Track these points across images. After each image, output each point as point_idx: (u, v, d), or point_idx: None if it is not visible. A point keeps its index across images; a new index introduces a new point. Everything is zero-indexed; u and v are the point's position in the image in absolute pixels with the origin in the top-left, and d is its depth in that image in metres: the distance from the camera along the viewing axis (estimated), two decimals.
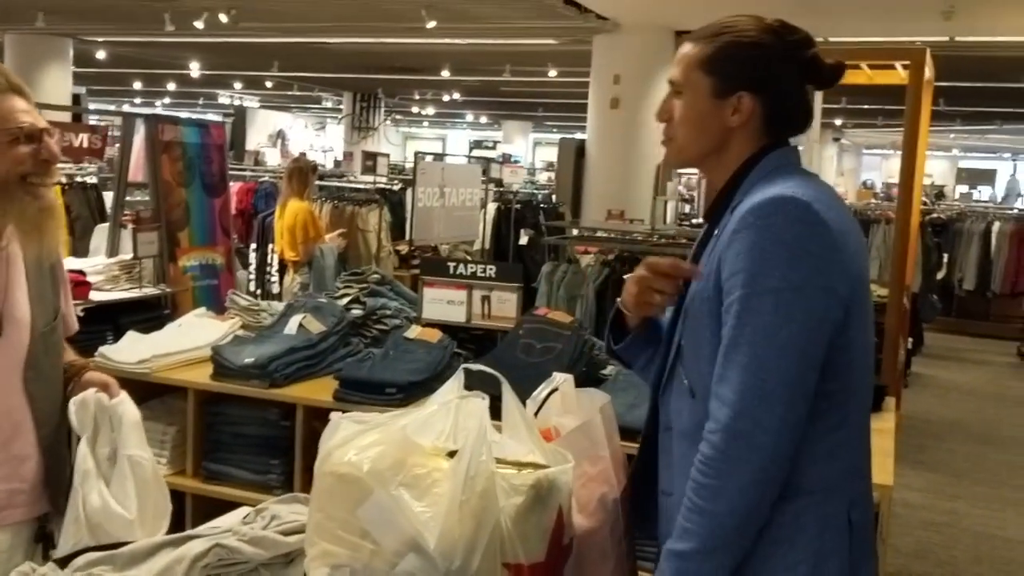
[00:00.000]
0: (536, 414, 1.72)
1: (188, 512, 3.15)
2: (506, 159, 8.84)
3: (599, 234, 6.14)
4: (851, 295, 1.43)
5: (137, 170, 5.34)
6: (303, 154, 10.54)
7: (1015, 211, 12.93)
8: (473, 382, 1.53)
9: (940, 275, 10.66)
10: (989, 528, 4.85)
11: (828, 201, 1.46)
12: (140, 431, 1.97)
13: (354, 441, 1.42)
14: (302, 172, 6.17)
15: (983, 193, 24.43)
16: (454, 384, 1.50)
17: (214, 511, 2.11)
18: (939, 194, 19.49)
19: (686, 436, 1.50)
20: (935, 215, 11.07)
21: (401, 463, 1.36)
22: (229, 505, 3.20)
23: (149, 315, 4.68)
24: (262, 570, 1.68)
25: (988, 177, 26.42)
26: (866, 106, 16.00)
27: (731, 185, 1.55)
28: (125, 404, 1.95)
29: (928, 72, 6.13)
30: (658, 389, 1.62)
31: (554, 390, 1.72)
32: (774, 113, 1.55)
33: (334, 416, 1.49)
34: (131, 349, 3.35)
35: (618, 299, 1.70)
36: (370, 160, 8.63)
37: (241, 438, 3.21)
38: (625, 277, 1.70)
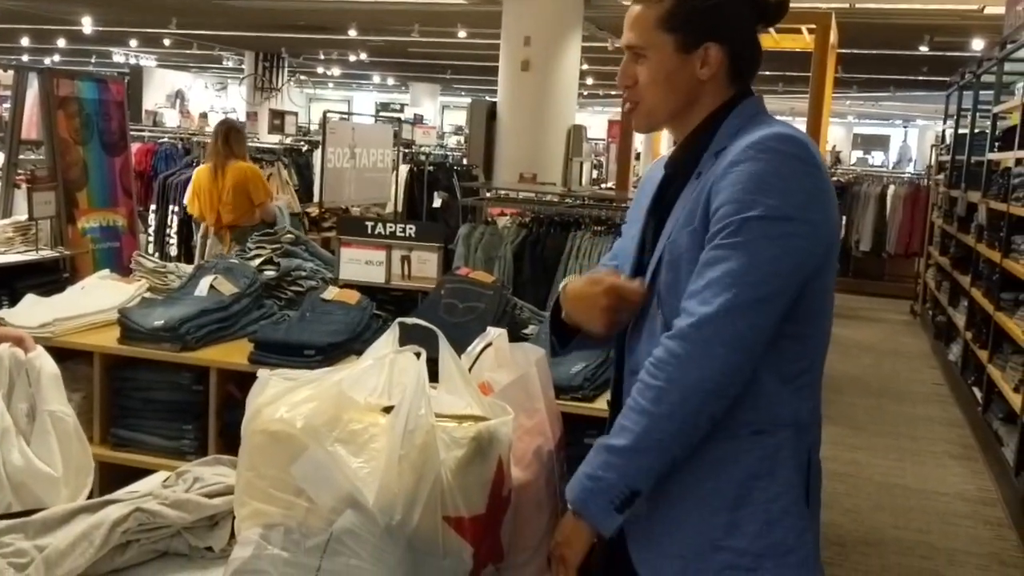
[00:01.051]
0: (470, 369, 1.69)
1: (98, 481, 3.03)
2: (418, 120, 8.70)
3: (516, 196, 6.11)
4: (830, 241, 1.46)
5: (31, 127, 5.08)
6: (227, 115, 10.16)
7: (908, 175, 13.37)
8: (408, 337, 1.49)
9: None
10: (889, 477, 5.05)
11: (815, 149, 1.48)
12: (60, 385, 1.88)
13: (285, 398, 1.38)
14: (238, 132, 5.83)
15: (877, 158, 25.26)
16: (388, 339, 1.46)
17: (124, 480, 2.03)
18: (836, 159, 20.09)
19: None
20: (833, 179, 11.36)
21: (336, 419, 1.32)
22: (140, 473, 3.08)
23: (47, 279, 4.49)
24: (185, 534, 1.62)
25: (883, 143, 27.35)
26: (767, 72, 16.31)
27: (703, 131, 1.53)
28: (42, 358, 1.85)
29: (833, 37, 6.27)
30: (622, 335, 1.59)
31: (488, 345, 1.70)
32: (738, 59, 1.54)
33: (262, 373, 1.44)
34: (30, 313, 3.20)
35: (556, 307, 1.65)
36: (277, 119, 8.39)
37: (152, 403, 3.10)
38: (566, 289, 1.63)
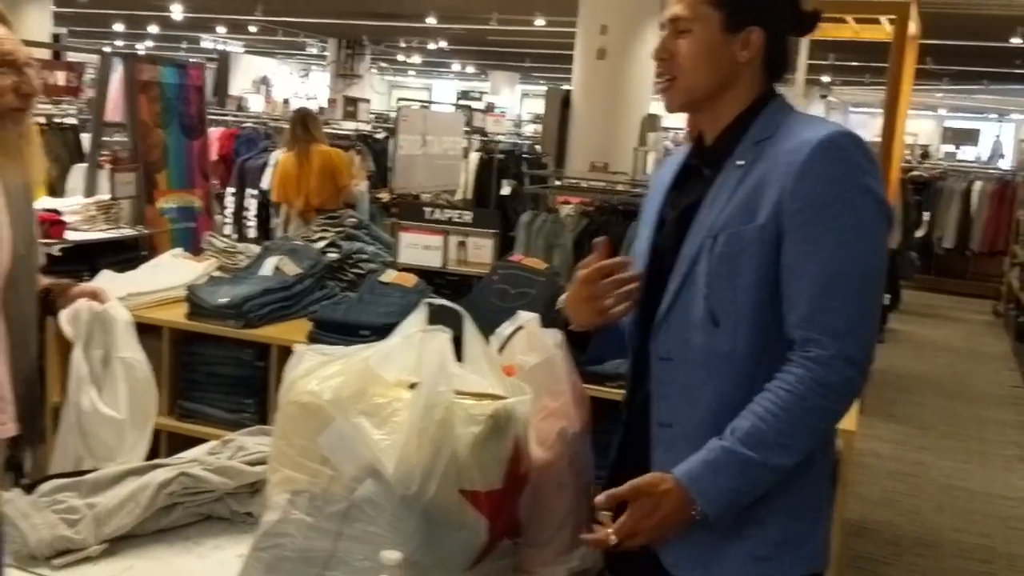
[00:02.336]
0: (500, 351, 1.74)
1: (162, 450, 3.18)
2: (489, 108, 8.77)
3: (580, 184, 6.13)
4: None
5: (115, 110, 5.30)
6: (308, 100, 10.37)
7: (996, 171, 12.94)
8: (436, 317, 1.55)
9: (920, 233, 10.72)
10: (953, 479, 4.95)
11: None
12: (132, 333, 2.02)
13: (317, 372, 1.45)
14: (315, 118, 6.02)
15: (968, 153, 24.47)
16: (417, 318, 1.52)
17: (188, 449, 2.14)
18: (924, 153, 19.51)
19: (698, 365, 1.49)
20: (916, 173, 11.08)
21: (362, 392, 1.39)
22: (203, 443, 3.25)
23: (126, 256, 4.68)
24: (228, 499, 1.72)
25: (972, 137, 26.43)
26: (853, 63, 15.94)
27: (739, 121, 1.55)
28: (116, 308, 1.99)
29: (913, 27, 6.12)
30: (646, 322, 1.59)
31: (519, 328, 1.75)
32: (774, 52, 1.56)
33: (298, 347, 1.52)
34: (106, 288, 3.35)
35: (564, 319, 1.67)
36: (351, 105, 8.55)
37: (215, 377, 3.23)
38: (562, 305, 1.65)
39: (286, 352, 3.04)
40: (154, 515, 1.64)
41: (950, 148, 24.52)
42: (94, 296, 1.99)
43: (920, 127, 27.62)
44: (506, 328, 1.72)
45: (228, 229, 6.75)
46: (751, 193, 1.48)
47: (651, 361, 1.56)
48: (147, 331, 3.33)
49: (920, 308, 10.29)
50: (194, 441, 3.16)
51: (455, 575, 1.37)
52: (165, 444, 3.26)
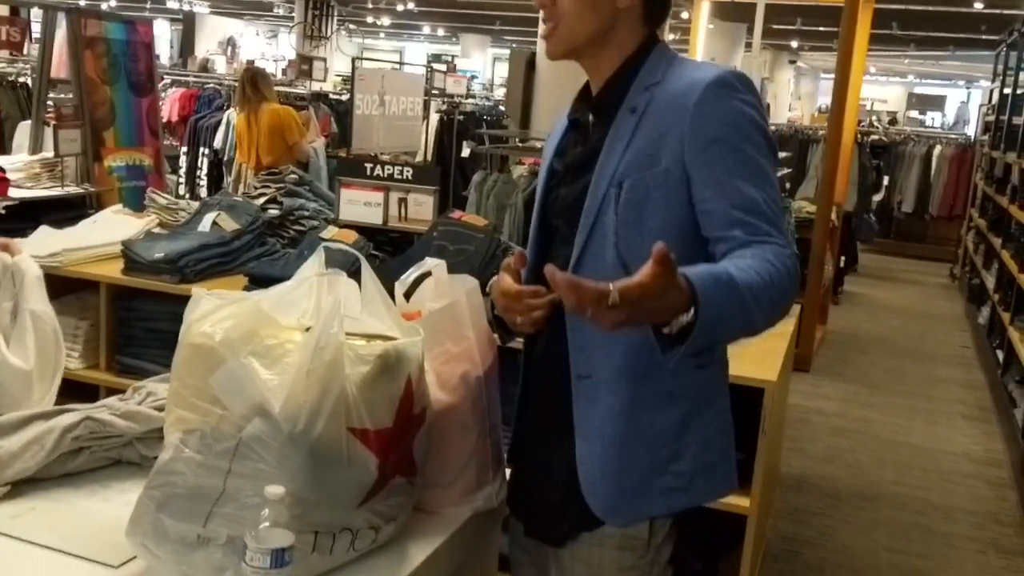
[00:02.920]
0: (408, 298, 1.76)
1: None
2: (451, 68, 8.70)
3: (538, 145, 6.12)
4: None
5: (60, 67, 5.22)
6: (251, 61, 10.29)
7: (956, 136, 13.04)
8: (333, 261, 1.56)
9: (879, 197, 10.82)
10: (897, 435, 5.05)
11: None
12: (42, 287, 2.02)
13: (212, 315, 1.46)
14: (264, 76, 6.01)
15: (936, 120, 24.61)
16: (314, 262, 1.53)
17: None
18: (892, 120, 19.60)
19: None
20: (876, 137, 11.16)
21: (253, 333, 1.40)
22: None
23: (73, 214, 4.63)
24: (136, 444, 1.73)
25: (938, 103, 26.59)
26: (821, 28, 15.94)
27: (627, 68, 1.57)
28: (26, 261, 1.99)
29: None
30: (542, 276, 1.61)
31: (427, 274, 1.76)
32: (652, 1, 1.57)
33: (196, 291, 1.52)
34: (43, 243, 3.34)
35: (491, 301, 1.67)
36: (305, 64, 8.45)
37: (154, 333, 3.23)
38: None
39: None
40: (59, 459, 1.65)
41: (914, 114, 24.65)
42: (5, 248, 1.98)
43: (889, 93, 27.74)
44: (411, 274, 1.74)
45: (182, 189, 6.69)
46: (649, 138, 1.50)
47: (565, 316, 1.57)
48: (85, 286, 3.34)
49: (878, 271, 10.42)
50: None
51: (345, 511, 1.40)
52: (104, 398, 3.27)
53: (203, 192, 6.48)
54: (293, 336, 1.43)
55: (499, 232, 3.40)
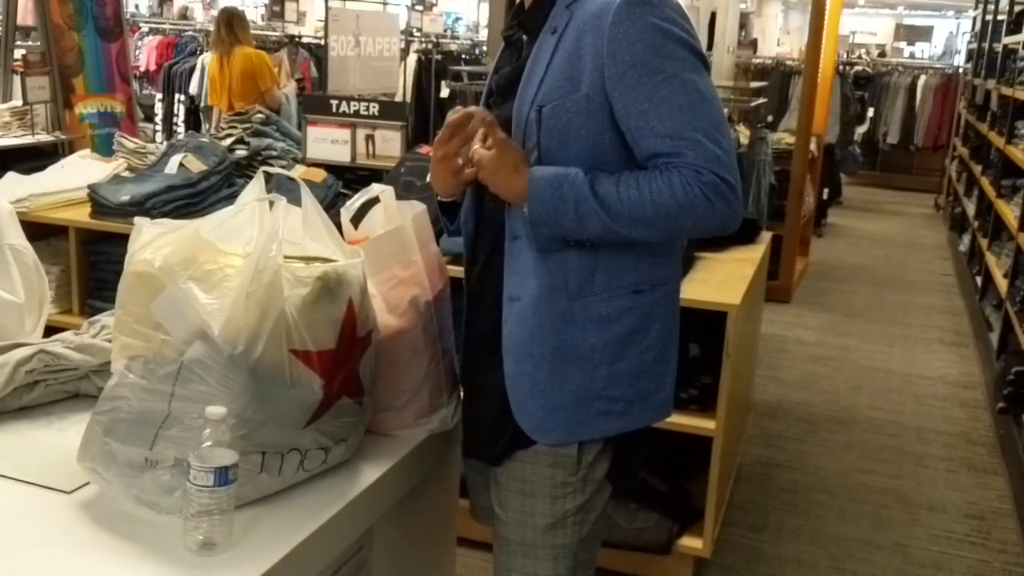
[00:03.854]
0: (356, 225, 1.77)
1: None
2: (427, 7, 8.57)
3: None
4: None
5: (27, 13, 5.14)
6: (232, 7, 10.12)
7: (940, 67, 12.95)
8: (274, 187, 1.56)
9: (864, 129, 10.78)
10: (874, 361, 5.10)
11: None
12: (16, 222, 2.05)
13: (153, 243, 1.46)
14: (240, 18, 5.93)
15: (924, 50, 24.36)
16: (254, 188, 1.53)
17: None
18: (881, 53, 19.38)
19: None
20: (860, 68, 11.08)
21: (192, 259, 1.41)
22: None
23: (45, 163, 4.60)
24: (93, 376, 1.75)
25: (926, 34, 26.30)
26: None
27: None
28: None
29: None
30: (478, 202, 1.64)
31: (374, 200, 1.77)
32: None
33: (139, 220, 1.53)
34: (10, 189, 3.33)
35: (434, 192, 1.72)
36: (277, 5, 8.33)
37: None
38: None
39: None
40: (14, 392, 1.67)
41: (902, 45, 24.40)
42: None
43: (878, 26, 27.41)
44: (357, 200, 1.74)
45: (159, 136, 6.64)
46: (568, 61, 1.48)
47: (504, 241, 1.58)
48: (54, 232, 3.33)
49: (863, 203, 10.43)
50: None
51: (292, 431, 1.42)
52: None
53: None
54: (232, 261, 1.44)
55: None
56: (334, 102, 3.49)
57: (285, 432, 1.42)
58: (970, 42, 10.12)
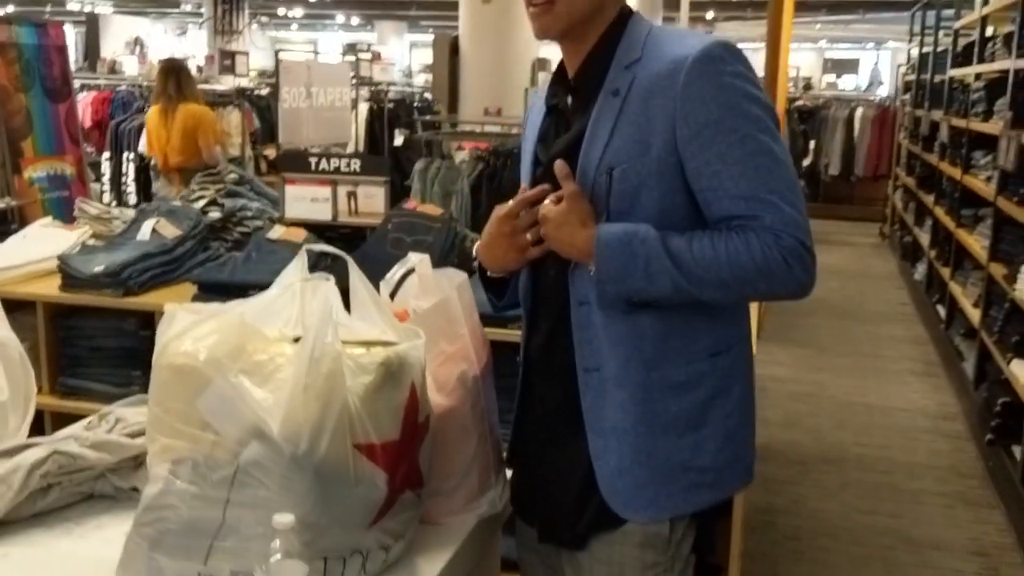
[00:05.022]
0: (392, 297, 1.66)
1: (48, 431, 3.01)
2: (376, 56, 8.51)
3: (474, 130, 6.02)
4: None
5: None
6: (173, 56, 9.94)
7: (876, 98, 13.30)
8: (318, 265, 1.46)
9: (807, 161, 10.98)
10: (852, 396, 5.10)
11: None
12: (1, 313, 1.86)
13: (191, 332, 1.34)
14: (185, 71, 5.78)
15: (849, 82, 25.10)
16: (297, 267, 1.43)
17: None
18: (807, 85, 19.92)
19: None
20: (801, 103, 11.30)
21: (240, 349, 1.29)
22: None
23: None
24: (109, 475, 1.60)
25: (852, 66, 27.15)
26: None
27: (601, 47, 1.49)
28: None
29: None
30: (536, 266, 1.56)
31: (410, 271, 1.67)
32: None
33: (169, 307, 1.40)
34: None
35: (477, 263, 1.64)
36: (227, 59, 8.20)
37: (99, 351, 3.06)
38: (476, 248, 1.61)
39: None
40: (29, 498, 1.51)
41: (831, 78, 25.14)
42: None
43: (802, 60, 28.18)
44: (396, 272, 1.64)
45: (107, 197, 6.42)
46: (636, 124, 1.42)
47: (571, 307, 1.50)
48: (20, 307, 3.14)
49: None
50: (81, 419, 3.02)
51: (356, 532, 1.30)
52: (50, 425, 3.09)
53: (131, 199, 6.22)
54: (283, 349, 1.33)
55: (455, 220, 3.30)
56: (313, 159, 3.37)
57: (348, 534, 1.30)
58: (906, 74, 10.39)
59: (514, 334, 2.42)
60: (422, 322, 1.53)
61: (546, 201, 1.45)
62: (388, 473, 1.31)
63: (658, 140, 1.40)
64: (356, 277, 1.45)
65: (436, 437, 1.51)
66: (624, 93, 1.44)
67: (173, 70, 5.65)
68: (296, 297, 1.43)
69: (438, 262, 3.04)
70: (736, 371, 1.50)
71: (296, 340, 1.36)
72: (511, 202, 1.51)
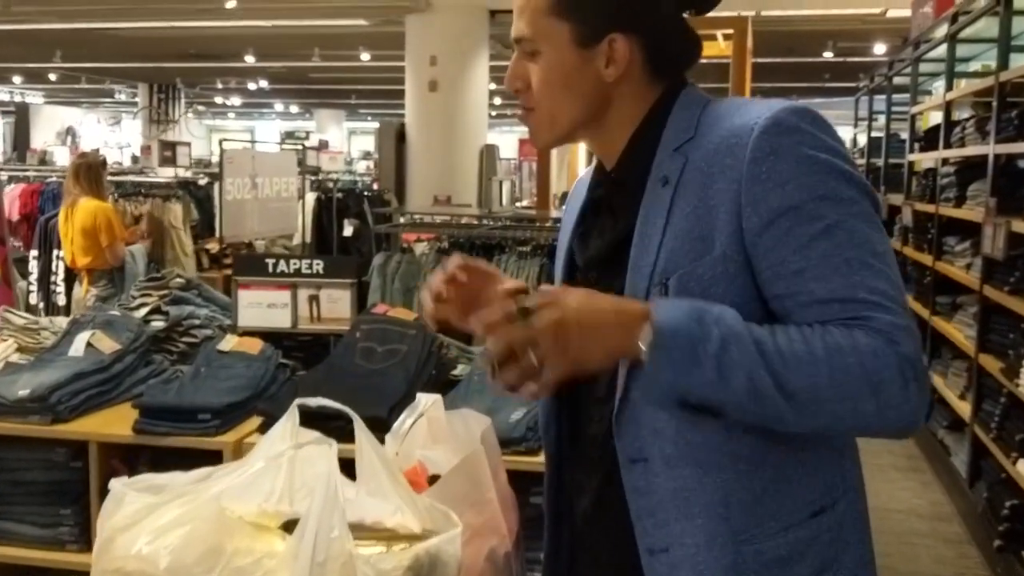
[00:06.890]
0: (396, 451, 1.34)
1: None
2: (323, 145, 8.26)
3: (431, 220, 5.75)
4: None
5: None
6: (95, 150, 9.57)
7: None
8: (310, 418, 1.13)
9: None
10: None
11: None
12: None
13: (146, 521, 1.00)
14: (91, 168, 5.45)
15: None
16: (286, 427, 1.09)
17: None
18: None
19: (685, 461, 1.12)
20: None
21: (216, 551, 0.95)
22: (14, 569, 2.65)
23: None
24: None
25: None
26: (705, 85, 16.32)
27: (643, 135, 1.21)
28: None
29: (749, 43, 6.11)
30: (570, 401, 1.24)
31: (419, 416, 1.34)
32: (658, 52, 1.21)
33: (115, 485, 1.06)
34: None
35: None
36: (168, 150, 7.86)
37: (22, 486, 2.65)
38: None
39: (108, 449, 2.55)
40: None
41: None
42: None
43: None
44: (405, 420, 1.31)
45: (35, 297, 5.96)
46: (694, 216, 1.13)
47: (619, 465, 1.16)
48: None
49: None
50: (3, 567, 2.59)
51: None
52: None
53: (60, 300, 5.78)
54: (272, 545, 0.99)
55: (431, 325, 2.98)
56: (270, 261, 3.05)
57: None
58: (856, 158, 10.47)
59: (522, 461, 2.07)
60: (445, 490, 1.20)
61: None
62: None
63: (722, 235, 1.10)
64: (363, 436, 1.12)
65: None
66: (675, 180, 1.15)
67: (75, 167, 5.45)
68: (282, 466, 1.09)
69: (414, 373, 2.72)
70: (848, 529, 1.17)
71: (286, 526, 1.02)
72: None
